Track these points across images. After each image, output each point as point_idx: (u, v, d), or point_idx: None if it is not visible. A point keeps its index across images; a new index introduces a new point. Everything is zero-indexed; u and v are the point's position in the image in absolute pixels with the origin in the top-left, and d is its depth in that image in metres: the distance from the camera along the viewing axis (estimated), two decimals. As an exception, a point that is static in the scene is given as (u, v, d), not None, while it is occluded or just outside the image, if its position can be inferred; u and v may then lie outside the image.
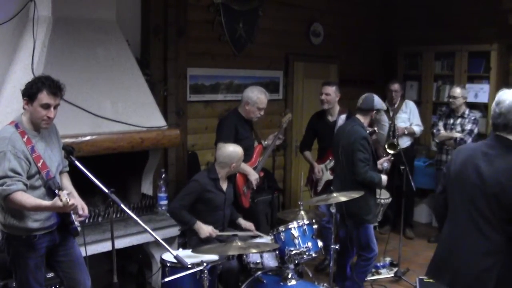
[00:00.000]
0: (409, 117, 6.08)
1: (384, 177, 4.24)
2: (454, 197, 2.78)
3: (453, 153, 2.91)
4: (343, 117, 5.02)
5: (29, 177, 3.00)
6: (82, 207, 3.17)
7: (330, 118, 5.11)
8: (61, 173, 3.29)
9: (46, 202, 2.95)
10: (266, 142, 5.06)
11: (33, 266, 3.09)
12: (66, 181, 3.32)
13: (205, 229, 4.03)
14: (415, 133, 6.07)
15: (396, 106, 6.08)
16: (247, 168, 4.62)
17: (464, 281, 2.67)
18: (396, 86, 6.08)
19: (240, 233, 4.15)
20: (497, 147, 2.63)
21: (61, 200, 2.80)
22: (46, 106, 3.00)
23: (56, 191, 2.94)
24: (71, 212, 3.07)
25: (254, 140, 4.93)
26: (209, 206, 4.15)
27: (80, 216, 3.15)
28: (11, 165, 2.90)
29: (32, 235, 3.06)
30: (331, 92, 5.03)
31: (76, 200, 3.18)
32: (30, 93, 2.99)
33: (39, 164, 3.01)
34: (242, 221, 4.38)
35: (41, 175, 3.03)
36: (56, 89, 3.02)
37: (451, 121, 5.74)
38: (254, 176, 4.65)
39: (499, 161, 2.58)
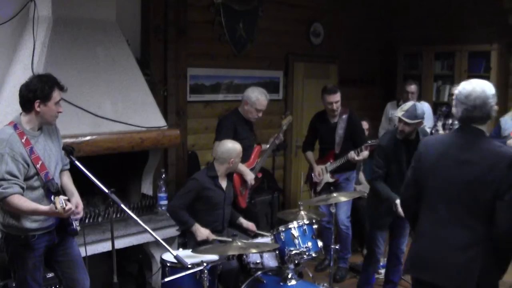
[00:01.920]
0: None
1: (397, 201, 3.84)
2: (430, 190, 2.75)
3: (420, 146, 2.87)
4: (344, 117, 5.01)
5: (28, 178, 3.00)
6: (77, 204, 3.16)
7: (331, 120, 5.07)
8: (61, 171, 3.29)
9: (43, 207, 2.95)
10: (267, 146, 5.04)
11: (31, 266, 3.09)
12: (66, 179, 3.32)
13: (203, 232, 4.02)
14: (427, 135, 5.97)
15: None
16: (243, 168, 4.62)
17: (447, 275, 2.65)
18: (412, 88, 5.93)
19: (243, 223, 4.19)
20: (472, 137, 2.66)
21: (56, 207, 2.81)
22: (58, 102, 3.08)
23: (52, 197, 2.92)
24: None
25: (253, 141, 4.93)
26: (208, 205, 4.15)
27: (73, 214, 3.15)
28: (8, 168, 2.90)
29: (31, 235, 3.06)
30: (340, 98, 4.94)
31: (74, 200, 3.19)
32: (43, 94, 3.01)
33: (38, 166, 3.01)
34: (243, 221, 4.37)
35: (40, 176, 3.03)
36: (61, 84, 3.10)
37: (450, 121, 5.73)
38: (250, 176, 4.66)
39: (478, 151, 2.61)
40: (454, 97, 2.73)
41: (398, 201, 3.83)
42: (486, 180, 2.55)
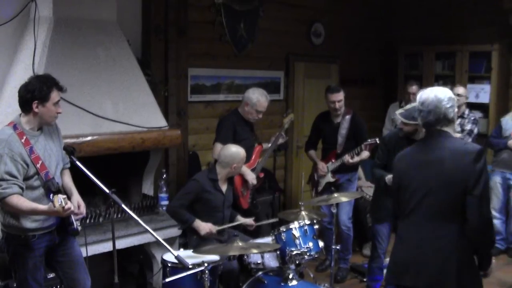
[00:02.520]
0: None
1: (388, 176, 4.01)
2: (405, 196, 2.82)
3: (394, 161, 3.00)
4: (348, 118, 5.01)
5: (28, 178, 3.00)
6: (79, 204, 3.18)
7: (335, 120, 5.07)
8: (62, 169, 3.29)
9: (43, 206, 2.95)
10: (269, 145, 5.04)
11: (32, 266, 3.10)
12: (67, 179, 3.32)
13: (205, 226, 4.03)
14: None
15: None
16: (244, 168, 4.62)
17: (427, 277, 2.68)
18: (414, 88, 5.93)
19: (238, 222, 4.23)
20: (436, 139, 2.75)
21: (54, 206, 2.81)
22: (57, 103, 3.08)
23: (51, 196, 2.92)
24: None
25: (254, 142, 4.93)
26: (208, 207, 4.15)
27: (76, 214, 3.15)
28: (7, 168, 2.91)
29: (31, 235, 3.07)
30: (343, 97, 4.94)
31: (74, 199, 3.19)
32: (41, 95, 3.01)
33: (38, 165, 3.01)
34: (241, 218, 4.37)
35: (40, 176, 3.03)
36: (60, 85, 3.10)
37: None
38: (251, 176, 4.65)
39: (444, 150, 2.70)
40: (416, 106, 2.86)
41: (388, 176, 3.93)
42: (455, 177, 2.63)
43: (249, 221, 4.33)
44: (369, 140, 4.79)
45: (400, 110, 4.13)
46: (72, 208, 2.96)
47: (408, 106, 4.10)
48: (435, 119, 2.74)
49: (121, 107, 4.24)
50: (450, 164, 2.65)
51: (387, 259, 5.07)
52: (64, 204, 2.82)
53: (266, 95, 4.73)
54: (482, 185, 2.60)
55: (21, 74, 3.85)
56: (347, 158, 4.85)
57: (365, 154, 4.88)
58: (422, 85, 7.00)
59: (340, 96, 4.94)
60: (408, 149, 2.97)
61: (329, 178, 5.07)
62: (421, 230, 2.72)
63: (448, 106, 2.73)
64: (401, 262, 2.81)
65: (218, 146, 4.49)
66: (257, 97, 4.66)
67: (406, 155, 2.93)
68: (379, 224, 4.33)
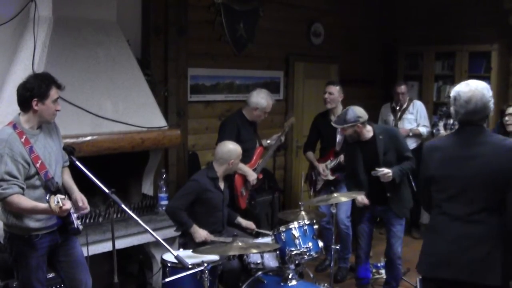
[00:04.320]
0: (416, 118, 6.01)
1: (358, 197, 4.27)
2: (441, 189, 2.80)
3: (424, 153, 2.94)
4: None
5: (29, 177, 3.01)
6: (82, 199, 3.19)
7: (333, 118, 5.09)
8: (62, 168, 3.29)
9: (43, 205, 2.95)
10: (268, 142, 5.06)
11: (34, 266, 3.10)
12: (66, 177, 3.33)
13: (201, 234, 4.01)
14: (422, 134, 5.96)
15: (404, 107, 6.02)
16: (245, 168, 4.62)
17: (470, 270, 2.67)
18: (402, 88, 5.97)
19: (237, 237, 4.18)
20: (475, 134, 2.72)
21: (50, 206, 2.81)
22: (56, 100, 3.08)
23: (47, 197, 2.92)
24: (71, 211, 3.06)
25: (256, 143, 4.93)
26: (208, 207, 4.14)
27: (80, 208, 3.15)
28: (7, 168, 2.91)
29: (34, 234, 3.08)
30: (335, 91, 5.02)
31: (76, 195, 3.20)
32: (40, 93, 3.01)
33: (38, 165, 3.01)
34: (241, 220, 4.37)
35: (40, 176, 3.03)
36: (58, 82, 3.10)
37: (451, 121, 5.72)
38: (252, 177, 4.66)
39: (484, 145, 2.68)
40: (452, 99, 2.77)
41: (358, 197, 4.23)
42: (497, 173, 2.62)
43: (250, 224, 4.34)
44: None
45: (334, 120, 4.35)
46: (70, 207, 2.96)
47: (340, 113, 4.32)
48: (480, 118, 2.71)
49: (121, 107, 4.24)
50: (492, 160, 2.64)
51: (382, 259, 5.17)
52: (61, 204, 2.81)
53: (270, 94, 4.78)
54: None
55: (20, 74, 3.85)
56: (343, 158, 4.86)
57: None
58: (422, 85, 7.04)
59: (332, 89, 5.03)
60: (441, 142, 2.94)
61: (328, 176, 5.07)
62: (461, 224, 2.71)
63: (492, 103, 2.70)
64: (440, 255, 2.78)
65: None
66: (266, 101, 4.72)
67: (439, 148, 2.86)
68: (359, 226, 4.46)
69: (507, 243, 2.68)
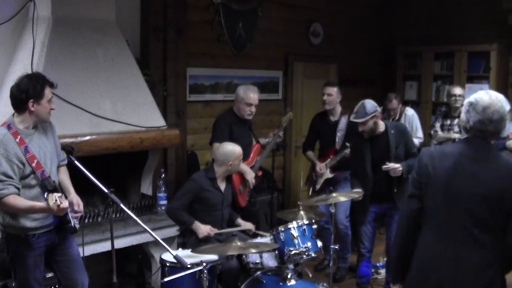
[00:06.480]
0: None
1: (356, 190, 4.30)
2: (438, 204, 2.55)
3: (424, 156, 2.66)
4: (345, 118, 5.03)
5: (24, 177, 3.01)
6: (78, 203, 3.18)
7: (332, 118, 5.11)
8: (58, 167, 3.28)
9: (40, 204, 2.95)
10: (266, 140, 5.07)
11: (32, 265, 3.10)
12: (63, 176, 3.32)
13: (203, 229, 4.03)
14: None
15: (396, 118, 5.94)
16: (243, 167, 4.62)
17: None
18: (394, 104, 5.77)
19: (237, 229, 4.22)
20: (483, 150, 2.52)
21: (48, 204, 2.81)
22: (50, 100, 3.08)
23: (45, 195, 2.92)
24: (68, 210, 3.06)
25: (251, 140, 4.93)
26: (206, 206, 4.15)
27: (75, 212, 3.15)
28: (2, 168, 2.91)
29: (31, 234, 3.07)
30: (333, 92, 5.02)
31: (72, 197, 3.19)
32: (35, 93, 3.01)
33: (33, 164, 3.01)
34: (241, 221, 4.37)
35: (36, 175, 3.03)
36: (51, 81, 3.10)
37: (448, 121, 5.71)
38: (250, 175, 4.66)
39: (491, 164, 2.48)
40: (466, 105, 2.57)
41: (356, 190, 4.26)
42: (501, 195, 2.42)
43: (249, 225, 4.35)
44: None
45: (352, 116, 4.28)
46: (67, 206, 2.95)
47: (356, 108, 4.23)
48: (492, 131, 2.51)
49: (120, 106, 4.24)
50: (497, 181, 2.43)
51: (382, 259, 5.17)
52: (59, 202, 2.81)
53: (253, 88, 4.77)
54: None
55: (19, 73, 3.81)
56: (346, 151, 4.84)
57: None
58: (421, 85, 7.04)
59: (330, 90, 5.02)
60: (446, 149, 2.69)
61: (328, 174, 5.08)
62: (457, 246, 2.48)
63: (508, 118, 2.52)
64: (434, 280, 2.53)
65: (216, 146, 4.50)
66: (244, 91, 4.70)
67: (443, 157, 2.60)
68: (363, 226, 4.45)
69: (502, 276, 2.48)
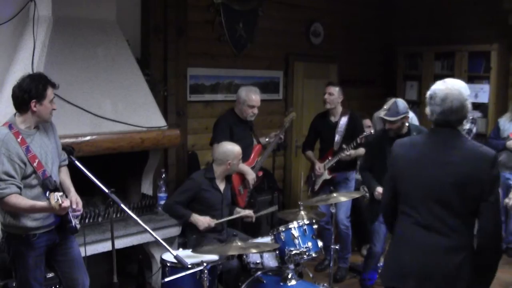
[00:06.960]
0: None
1: (378, 188, 4.15)
2: (409, 192, 2.61)
3: (394, 148, 2.72)
4: (345, 117, 5.02)
5: (26, 177, 3.01)
6: (77, 201, 3.18)
7: (333, 119, 5.10)
8: (59, 167, 3.29)
9: (41, 203, 2.96)
10: (266, 139, 5.07)
11: (32, 265, 3.10)
12: (64, 176, 3.33)
13: (203, 220, 4.05)
14: None
15: None
16: (244, 167, 4.62)
17: (434, 282, 2.52)
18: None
19: (237, 216, 4.25)
20: (450, 138, 2.56)
21: (50, 203, 2.81)
22: (52, 100, 3.09)
23: (47, 194, 2.93)
24: (68, 210, 3.06)
25: (252, 140, 4.93)
26: (205, 205, 4.16)
27: (74, 210, 3.15)
28: (4, 168, 2.91)
29: (32, 234, 3.07)
30: (335, 92, 5.01)
31: (72, 196, 3.19)
32: (38, 94, 3.01)
33: (35, 164, 3.01)
34: (240, 210, 4.37)
35: (37, 175, 3.03)
36: (53, 82, 3.10)
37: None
38: (251, 176, 4.66)
39: (459, 151, 2.52)
40: (427, 98, 2.60)
41: (378, 188, 4.10)
42: (470, 181, 2.47)
43: (248, 212, 4.33)
44: (365, 133, 4.82)
45: (383, 112, 4.17)
46: (69, 205, 2.96)
47: (388, 105, 4.16)
48: (457, 119, 2.55)
49: (120, 107, 4.24)
50: (466, 168, 2.48)
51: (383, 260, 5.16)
52: (60, 201, 2.81)
53: (255, 90, 4.78)
54: (497, 191, 2.49)
55: (20, 73, 3.82)
56: (344, 152, 4.86)
57: (361, 150, 4.89)
58: (422, 85, 7.04)
59: (331, 90, 5.01)
60: (414, 140, 2.76)
61: (326, 175, 5.08)
62: (429, 232, 2.54)
63: (469, 103, 2.55)
64: (405, 265, 2.60)
65: (215, 146, 4.50)
66: (246, 93, 4.71)
67: (412, 147, 2.68)
68: (375, 224, 4.41)
69: (477, 256, 2.52)
